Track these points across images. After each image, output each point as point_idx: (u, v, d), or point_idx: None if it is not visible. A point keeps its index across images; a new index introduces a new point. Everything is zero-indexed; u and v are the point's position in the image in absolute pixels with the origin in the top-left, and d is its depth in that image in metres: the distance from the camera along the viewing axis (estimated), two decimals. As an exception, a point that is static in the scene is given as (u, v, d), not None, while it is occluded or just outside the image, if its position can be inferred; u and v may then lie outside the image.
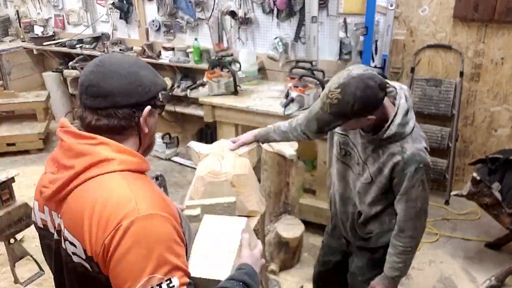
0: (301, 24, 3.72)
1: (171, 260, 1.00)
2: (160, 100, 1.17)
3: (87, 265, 1.04)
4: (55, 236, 1.13)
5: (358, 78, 1.47)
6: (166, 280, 0.98)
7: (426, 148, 1.65)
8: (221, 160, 1.84)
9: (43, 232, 1.19)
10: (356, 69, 1.52)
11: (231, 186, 1.77)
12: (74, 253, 1.06)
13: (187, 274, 1.03)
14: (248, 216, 1.77)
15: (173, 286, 0.98)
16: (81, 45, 4.73)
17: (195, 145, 1.96)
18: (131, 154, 1.10)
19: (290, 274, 2.89)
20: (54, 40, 4.94)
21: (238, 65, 3.59)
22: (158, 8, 4.27)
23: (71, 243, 1.06)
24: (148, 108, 1.13)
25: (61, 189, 1.07)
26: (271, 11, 3.81)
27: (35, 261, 2.63)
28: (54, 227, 1.14)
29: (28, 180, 4.07)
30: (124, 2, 4.43)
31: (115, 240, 0.97)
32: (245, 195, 1.81)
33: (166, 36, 4.38)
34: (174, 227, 1.04)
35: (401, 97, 1.63)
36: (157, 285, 0.97)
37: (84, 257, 1.03)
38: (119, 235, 0.97)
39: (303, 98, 2.98)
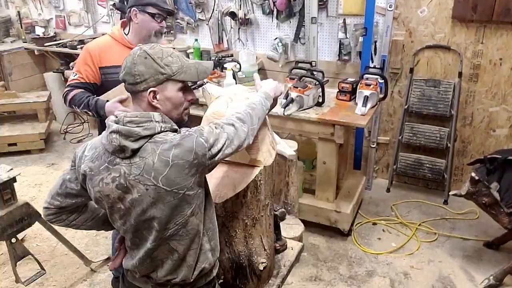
0: (300, 25, 3.74)
1: None
2: None
3: None
4: None
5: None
6: None
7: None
8: (230, 103, 1.78)
9: None
10: None
11: None
12: None
13: None
14: (250, 165, 1.76)
15: None
16: (82, 45, 4.74)
17: (210, 86, 1.94)
18: None
19: (290, 274, 2.90)
20: (55, 40, 4.97)
21: (238, 65, 3.60)
22: (159, 9, 4.29)
23: None
24: None
25: None
26: (271, 12, 3.83)
27: (36, 260, 2.65)
28: None
29: (29, 180, 4.10)
30: (125, 3, 4.43)
31: None
32: None
33: (167, 37, 4.40)
34: None
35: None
36: None
37: None
38: None
39: (303, 99, 3.00)
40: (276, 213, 1.97)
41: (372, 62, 3.56)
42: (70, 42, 4.81)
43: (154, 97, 1.39)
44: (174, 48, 1.51)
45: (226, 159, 1.79)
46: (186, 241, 1.44)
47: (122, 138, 1.33)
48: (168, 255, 1.46)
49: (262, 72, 4.02)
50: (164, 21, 2.32)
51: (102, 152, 1.39)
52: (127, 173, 1.34)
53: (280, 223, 2.04)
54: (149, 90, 1.37)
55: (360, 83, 3.08)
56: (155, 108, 1.40)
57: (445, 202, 3.64)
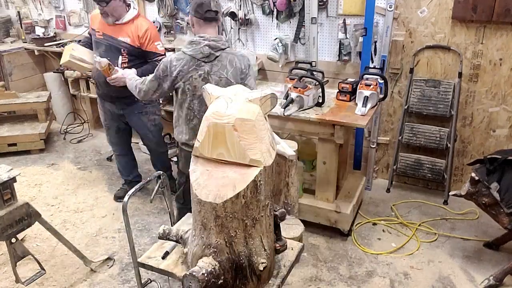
0: (300, 25, 3.74)
1: None
2: None
3: None
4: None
5: None
6: None
7: None
8: (230, 103, 1.80)
9: None
10: None
11: (233, 130, 1.73)
12: None
13: None
14: (250, 166, 1.76)
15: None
16: (82, 46, 4.75)
17: (209, 86, 1.96)
18: None
19: (290, 274, 2.90)
20: (55, 41, 4.97)
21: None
22: (159, 9, 4.29)
23: None
24: None
25: None
26: (271, 12, 3.83)
27: (36, 260, 2.64)
28: None
29: (29, 180, 4.10)
30: (125, 3, 4.44)
31: None
32: (248, 142, 1.75)
33: (167, 37, 4.40)
34: None
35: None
36: None
37: None
38: None
39: (303, 99, 3.00)
40: (276, 213, 1.97)
41: (372, 62, 3.56)
42: (70, 42, 4.80)
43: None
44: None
45: (225, 160, 1.80)
46: None
47: (211, 49, 2.40)
48: None
49: (262, 72, 4.02)
50: (100, 5, 3.11)
51: (190, 60, 2.41)
52: (209, 70, 2.42)
53: (280, 223, 2.05)
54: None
55: (360, 84, 3.08)
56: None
57: (445, 202, 3.64)
